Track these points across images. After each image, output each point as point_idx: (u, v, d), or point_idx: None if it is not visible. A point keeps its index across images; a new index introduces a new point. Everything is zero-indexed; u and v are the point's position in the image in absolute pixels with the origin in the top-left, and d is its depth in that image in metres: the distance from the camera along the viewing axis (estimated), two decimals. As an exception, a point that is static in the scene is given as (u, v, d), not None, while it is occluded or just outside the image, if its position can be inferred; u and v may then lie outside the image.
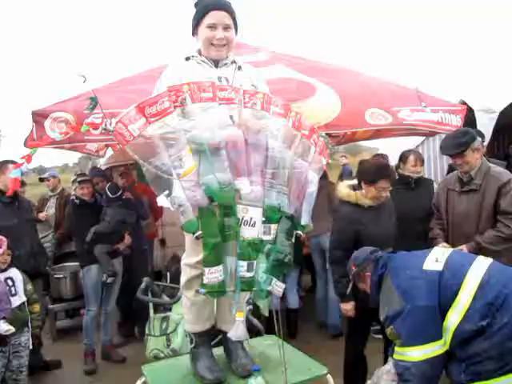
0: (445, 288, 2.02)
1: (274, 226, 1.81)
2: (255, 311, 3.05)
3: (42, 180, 5.96)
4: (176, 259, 5.34)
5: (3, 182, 3.88)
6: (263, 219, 1.78)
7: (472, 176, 3.17)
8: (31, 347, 3.41)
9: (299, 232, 1.88)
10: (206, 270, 1.73)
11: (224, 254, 1.74)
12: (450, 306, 1.97)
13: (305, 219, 1.89)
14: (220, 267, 1.73)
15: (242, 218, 1.74)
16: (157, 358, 3.08)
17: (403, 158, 3.97)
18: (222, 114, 1.74)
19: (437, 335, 1.97)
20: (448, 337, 1.96)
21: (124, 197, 4.50)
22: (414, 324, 1.99)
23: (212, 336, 2.28)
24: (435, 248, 2.38)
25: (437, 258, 2.17)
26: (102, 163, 6.08)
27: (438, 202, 3.41)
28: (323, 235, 4.56)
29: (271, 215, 1.80)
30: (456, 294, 1.98)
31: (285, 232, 1.83)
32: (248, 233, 1.74)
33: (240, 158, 1.74)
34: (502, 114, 5.67)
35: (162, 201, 1.68)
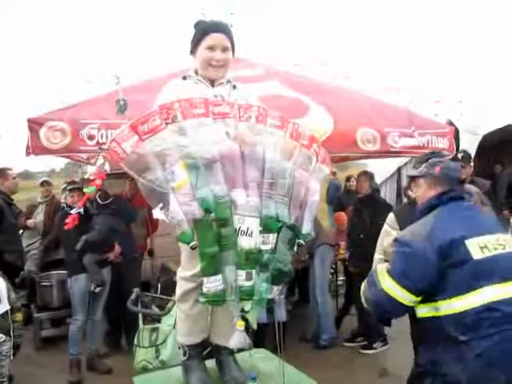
0: (470, 275, 1.85)
1: (272, 236, 1.83)
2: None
3: (42, 184, 5.95)
4: (165, 270, 5.35)
5: (6, 187, 4.49)
6: (261, 229, 1.80)
7: None
8: (12, 357, 3.38)
9: (301, 241, 1.91)
10: (205, 279, 1.76)
11: (222, 263, 1.77)
12: (460, 294, 1.85)
13: (306, 228, 1.91)
14: (219, 276, 1.76)
15: (239, 229, 1.77)
16: (145, 370, 3.08)
17: None
18: (217, 130, 1.79)
19: (413, 286, 1.90)
20: (432, 313, 1.90)
21: (113, 206, 4.52)
22: (410, 266, 1.93)
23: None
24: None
25: (486, 245, 1.94)
26: (91, 172, 6.06)
27: None
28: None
29: (270, 225, 1.82)
30: (475, 287, 1.84)
31: (285, 241, 1.86)
32: (245, 242, 1.77)
33: (236, 170, 1.79)
34: (486, 137, 5.90)
35: (157, 213, 1.75)
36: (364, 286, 2.11)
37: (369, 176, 4.99)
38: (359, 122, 4.04)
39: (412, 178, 2.33)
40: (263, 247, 1.82)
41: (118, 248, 4.42)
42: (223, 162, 1.75)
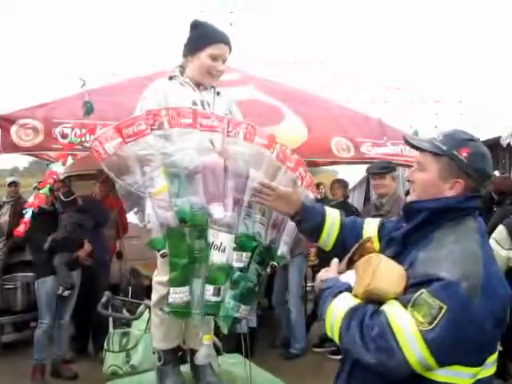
0: None
1: (246, 254, 1.82)
2: (214, 329, 3.06)
3: (10, 185, 5.76)
4: (134, 273, 5.27)
5: None
6: (234, 246, 1.80)
7: (383, 203, 3.58)
8: None
9: (274, 263, 1.91)
10: (172, 289, 1.77)
11: (191, 275, 1.78)
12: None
13: (282, 250, 1.90)
14: (186, 288, 1.76)
15: (213, 243, 1.77)
16: (115, 375, 3.03)
17: None
18: (202, 138, 1.79)
19: (451, 362, 1.25)
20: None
21: (80, 204, 4.45)
22: (462, 338, 1.22)
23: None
24: None
25: None
26: (61, 171, 5.92)
27: None
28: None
29: (245, 243, 1.82)
30: None
31: (258, 262, 1.85)
32: (217, 257, 1.77)
33: (216, 183, 1.79)
34: None
35: (131, 217, 1.74)
36: (344, 327, 1.32)
37: (343, 183, 5.09)
38: (334, 131, 4.12)
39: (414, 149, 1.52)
40: (236, 264, 1.82)
41: (88, 245, 4.30)
42: (205, 174, 1.76)
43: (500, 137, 6.43)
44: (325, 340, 5.05)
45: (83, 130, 3.37)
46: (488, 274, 1.26)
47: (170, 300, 1.77)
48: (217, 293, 1.78)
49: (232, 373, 2.35)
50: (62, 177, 5.74)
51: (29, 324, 4.85)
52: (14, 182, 5.72)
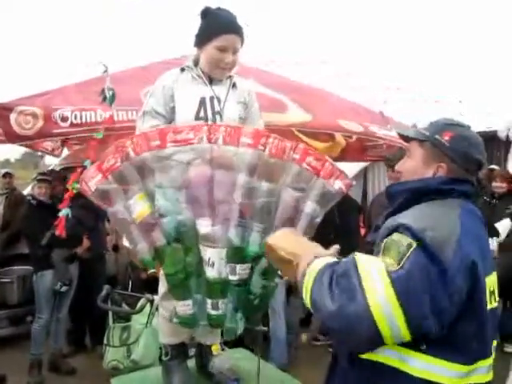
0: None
1: (240, 266, 1.73)
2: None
3: (4, 176, 5.67)
4: (133, 266, 5.20)
5: None
6: (226, 259, 1.73)
7: None
8: None
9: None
10: (175, 302, 1.82)
11: (190, 290, 1.79)
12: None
13: None
14: (189, 301, 1.79)
15: (203, 258, 1.75)
16: (116, 369, 2.98)
17: None
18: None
19: (420, 321, 1.10)
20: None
21: (82, 199, 4.34)
22: (433, 289, 1.10)
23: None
24: None
25: (493, 292, 1.32)
26: (56, 163, 5.83)
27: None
28: None
29: (235, 255, 1.73)
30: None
31: (261, 272, 1.77)
32: (209, 272, 1.75)
33: (203, 197, 1.71)
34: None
35: (124, 241, 1.80)
36: (317, 281, 1.19)
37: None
38: (337, 118, 4.05)
39: (405, 140, 1.51)
40: (231, 278, 1.75)
41: (86, 242, 4.22)
42: (190, 190, 1.71)
43: (497, 131, 6.42)
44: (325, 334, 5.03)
45: (83, 113, 3.31)
46: (463, 238, 1.18)
47: (177, 311, 1.82)
48: (216, 307, 1.77)
49: (237, 367, 2.30)
50: (58, 168, 5.67)
51: (25, 318, 4.79)
52: (8, 174, 5.63)
